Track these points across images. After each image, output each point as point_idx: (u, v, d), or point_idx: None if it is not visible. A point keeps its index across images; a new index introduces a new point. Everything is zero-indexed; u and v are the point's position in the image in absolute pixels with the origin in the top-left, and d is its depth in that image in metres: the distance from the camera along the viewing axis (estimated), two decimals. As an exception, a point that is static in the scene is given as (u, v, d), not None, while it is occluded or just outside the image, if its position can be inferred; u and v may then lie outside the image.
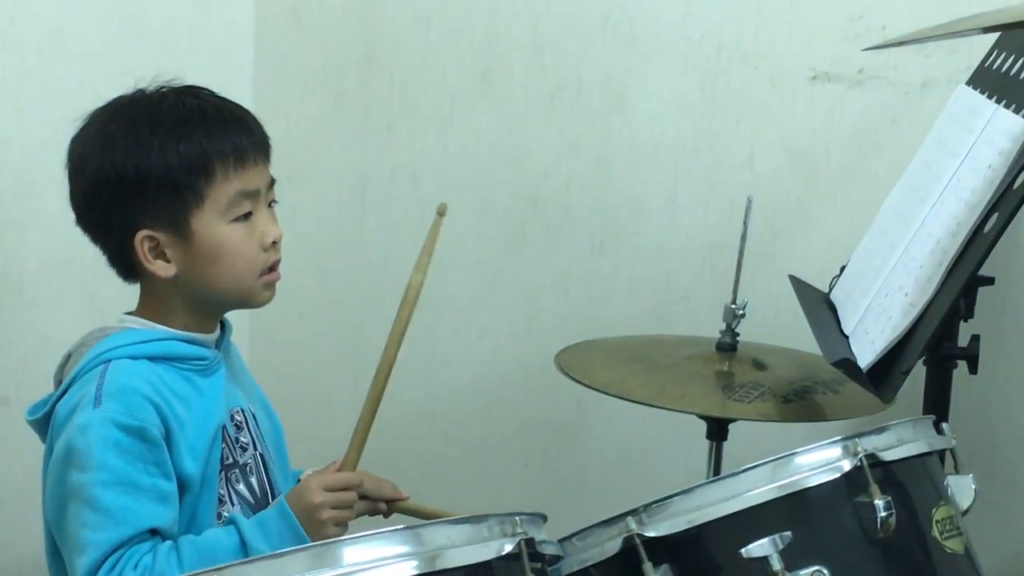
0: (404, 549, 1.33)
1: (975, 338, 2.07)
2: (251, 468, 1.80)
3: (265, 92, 2.92)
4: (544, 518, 1.48)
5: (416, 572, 1.32)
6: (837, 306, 2.22)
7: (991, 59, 2.29)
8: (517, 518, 1.40)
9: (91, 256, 2.27)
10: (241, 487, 1.78)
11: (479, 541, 1.36)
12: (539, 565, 1.41)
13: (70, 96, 2.45)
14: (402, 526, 1.34)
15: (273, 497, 1.82)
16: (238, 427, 1.80)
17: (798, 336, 2.37)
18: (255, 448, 1.82)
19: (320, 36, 2.93)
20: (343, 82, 2.92)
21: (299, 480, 1.88)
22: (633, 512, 1.54)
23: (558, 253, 2.81)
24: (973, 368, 2.07)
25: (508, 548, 1.37)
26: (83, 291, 2.59)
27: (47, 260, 2.58)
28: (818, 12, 2.57)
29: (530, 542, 1.39)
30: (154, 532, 1.64)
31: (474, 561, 1.35)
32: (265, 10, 2.94)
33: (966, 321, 2.08)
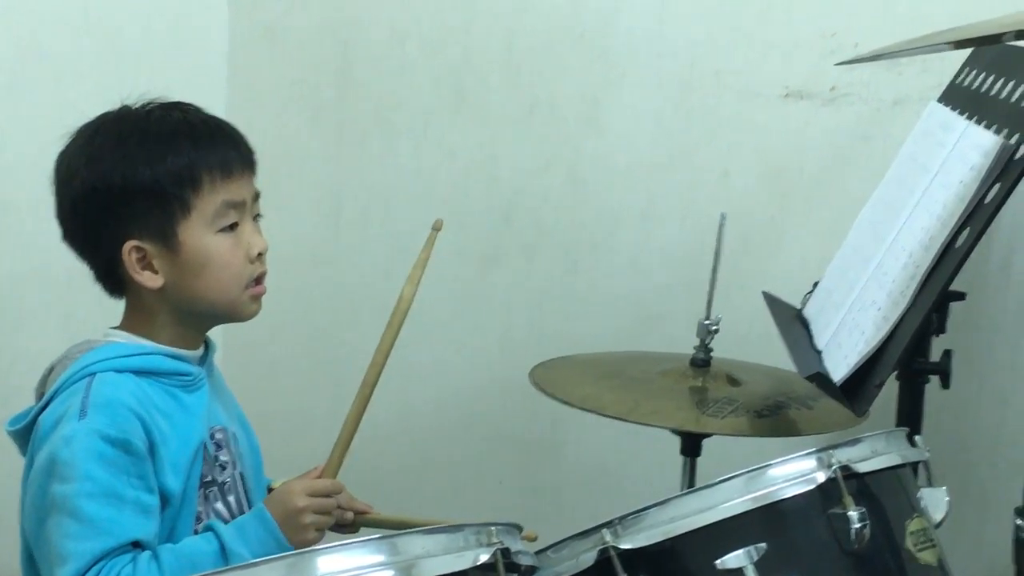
0: (380, 559, 1.33)
1: (947, 353, 2.08)
2: (229, 487, 1.80)
3: (239, 108, 2.92)
4: (520, 528, 1.49)
5: (393, 582, 1.32)
6: (810, 321, 2.23)
7: (962, 76, 2.31)
8: (493, 528, 1.40)
9: (66, 272, 2.26)
10: (219, 505, 1.78)
11: (455, 551, 1.36)
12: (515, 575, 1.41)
13: (44, 114, 2.46)
14: (378, 535, 1.34)
15: None
16: (218, 445, 1.80)
17: (771, 352, 2.37)
18: (234, 467, 1.82)
19: (295, 52, 2.93)
20: (318, 98, 2.93)
21: (269, 488, 1.88)
22: (608, 524, 1.54)
23: (532, 270, 2.82)
24: (945, 383, 2.08)
25: (484, 558, 1.37)
26: (58, 307, 2.58)
27: (21, 276, 2.57)
28: (791, 30, 2.59)
29: (506, 552, 1.39)
30: (136, 544, 1.64)
31: (450, 571, 1.35)
32: (239, 26, 2.94)
33: (938, 336, 2.10)
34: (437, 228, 1.95)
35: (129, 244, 1.72)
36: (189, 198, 1.72)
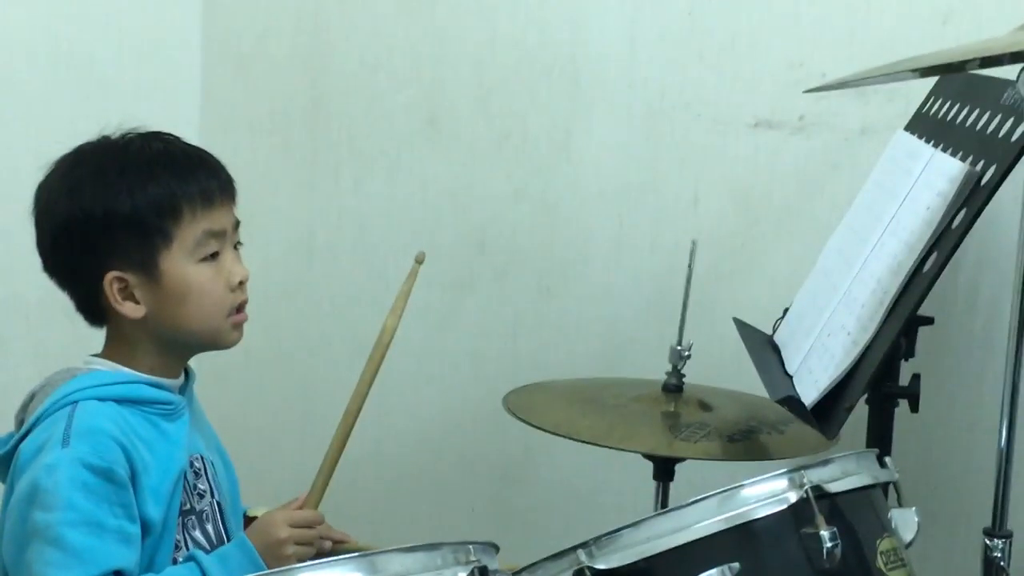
0: (359, 576, 1.34)
1: (916, 377, 2.10)
2: (207, 515, 1.80)
3: (212, 139, 2.89)
4: (496, 548, 1.49)
5: (371, 599, 1.33)
6: (781, 347, 2.25)
7: (928, 105, 2.34)
8: (470, 547, 1.41)
9: (38, 301, 2.26)
10: (197, 534, 1.78)
11: (433, 569, 1.37)
12: (492, 595, 1.42)
13: (16, 144, 2.46)
14: (357, 554, 1.35)
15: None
16: (197, 474, 1.80)
17: (743, 378, 2.39)
18: (212, 496, 1.82)
19: (267, 83, 2.95)
20: (290, 129, 2.95)
21: (246, 516, 1.88)
22: (583, 545, 1.55)
23: (505, 298, 2.84)
24: (915, 406, 2.10)
25: (462, 576, 1.38)
26: (29, 338, 2.57)
27: (-7, 305, 2.57)
28: (759, 60, 2.62)
29: (483, 570, 1.40)
30: (118, 574, 1.63)
31: (428, 588, 1.37)
32: (212, 58, 2.96)
33: (907, 360, 2.12)
34: (420, 261, 1.98)
35: (110, 275, 1.73)
36: (170, 228, 1.73)
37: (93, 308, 1.78)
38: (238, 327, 1.81)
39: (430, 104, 2.84)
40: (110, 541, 1.63)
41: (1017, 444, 1.83)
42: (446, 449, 2.92)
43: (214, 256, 1.76)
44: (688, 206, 2.69)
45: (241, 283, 1.79)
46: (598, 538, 1.55)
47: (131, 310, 1.74)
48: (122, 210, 1.71)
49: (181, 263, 1.74)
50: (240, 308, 1.80)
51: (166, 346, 1.78)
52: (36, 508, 1.63)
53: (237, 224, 1.81)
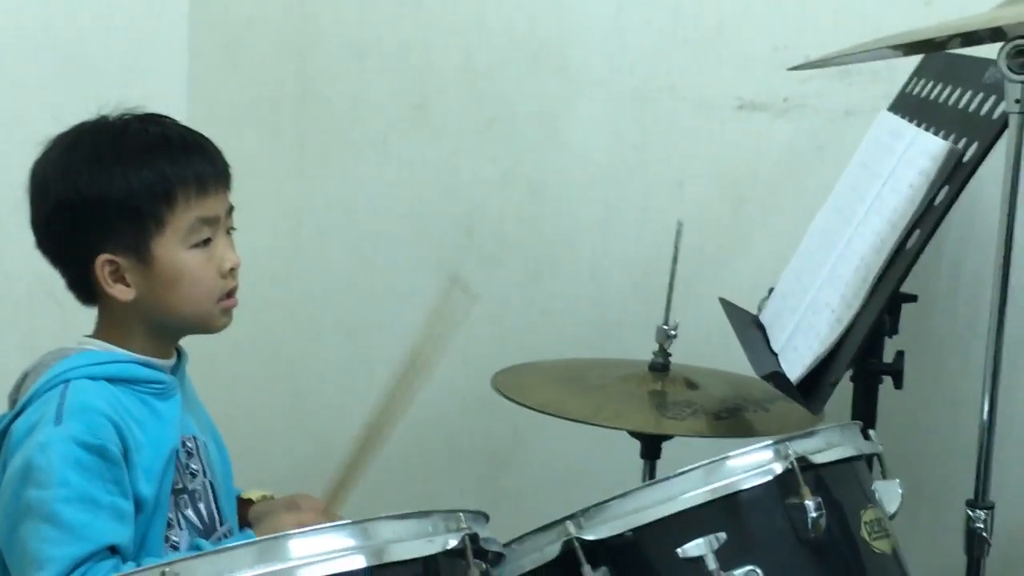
0: (351, 543, 1.35)
1: (900, 354, 2.12)
2: (199, 495, 1.81)
3: (199, 124, 2.86)
4: (486, 517, 1.51)
5: (363, 565, 1.34)
6: (766, 326, 2.27)
7: (911, 85, 2.36)
8: (461, 514, 1.43)
9: (25, 288, 2.27)
10: (189, 512, 1.79)
11: (424, 536, 1.39)
12: (482, 563, 1.43)
13: (2, 129, 2.46)
14: (348, 521, 1.36)
15: (220, 523, 1.82)
16: (189, 453, 1.81)
17: (729, 358, 2.41)
18: (204, 475, 1.83)
19: (254, 69, 2.95)
20: (278, 115, 2.95)
21: (239, 499, 1.89)
22: (572, 516, 1.57)
23: (493, 281, 2.84)
24: (898, 383, 2.12)
25: (453, 543, 1.40)
26: (18, 322, 2.58)
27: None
28: (744, 43, 2.64)
29: (474, 538, 1.42)
30: (112, 550, 1.64)
31: (419, 555, 1.38)
32: (199, 42, 2.96)
33: (891, 337, 2.13)
34: (459, 285, 1.94)
35: (102, 258, 1.73)
36: (163, 214, 1.72)
37: (84, 288, 1.79)
38: (227, 312, 1.81)
39: (418, 89, 2.85)
40: (104, 517, 1.63)
41: (999, 418, 1.85)
42: (435, 432, 2.92)
43: (206, 242, 1.76)
44: (674, 188, 2.71)
45: (232, 270, 1.79)
46: (586, 509, 1.58)
47: (121, 292, 1.75)
48: (116, 195, 1.71)
49: (173, 248, 1.74)
50: (230, 294, 1.80)
51: (156, 328, 1.79)
52: (30, 486, 1.63)
53: (231, 210, 1.81)
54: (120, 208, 1.72)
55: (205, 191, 1.75)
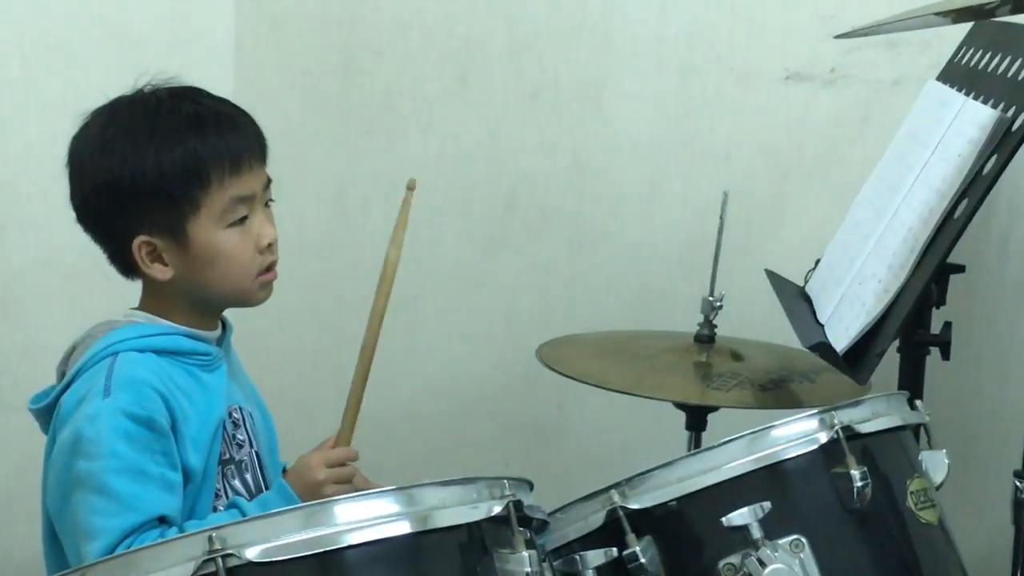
0: (396, 508, 1.35)
1: (947, 325, 2.11)
2: (246, 465, 1.83)
3: (245, 98, 2.88)
4: (531, 485, 1.51)
5: (408, 531, 1.35)
6: (812, 298, 2.26)
7: (960, 54, 2.33)
8: (506, 482, 1.43)
9: (74, 260, 2.28)
10: (236, 483, 1.80)
11: (469, 502, 1.39)
12: (526, 530, 1.44)
13: (52, 103, 2.48)
14: (393, 487, 1.36)
15: None
16: (235, 424, 1.82)
17: (774, 330, 2.40)
18: (251, 446, 1.85)
19: (299, 42, 2.96)
20: (323, 88, 2.95)
21: (285, 471, 1.91)
22: (616, 486, 1.57)
23: (537, 253, 2.85)
24: (946, 354, 2.11)
25: (497, 510, 1.40)
26: (65, 294, 2.61)
27: (29, 264, 2.60)
28: (790, 13, 2.62)
29: (518, 505, 1.42)
30: (162, 520, 1.66)
31: (464, 521, 1.38)
32: (245, 17, 2.97)
33: (938, 308, 2.12)
34: (411, 187, 1.96)
35: (139, 239, 1.74)
36: (198, 196, 1.73)
37: (124, 264, 1.80)
38: (266, 286, 1.82)
39: (461, 61, 2.84)
40: (153, 488, 1.65)
41: (1047, 388, 1.84)
42: (480, 406, 2.93)
43: (243, 220, 1.77)
44: (719, 160, 2.69)
45: (270, 244, 1.79)
46: (630, 478, 1.58)
47: (160, 272, 1.76)
48: (150, 178, 1.72)
49: (209, 229, 1.74)
50: (269, 268, 1.81)
51: (197, 303, 1.80)
52: (79, 457, 1.65)
53: (268, 183, 1.81)
54: (154, 191, 1.72)
55: (239, 169, 1.75)
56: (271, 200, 1.83)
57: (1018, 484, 1.82)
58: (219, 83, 2.91)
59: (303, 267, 3.01)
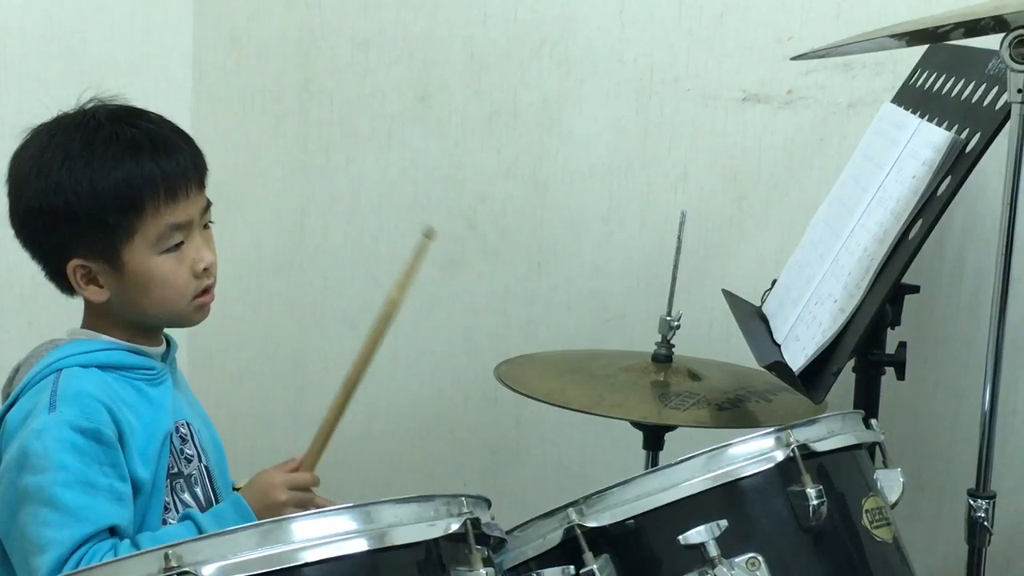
0: (353, 526, 1.35)
1: (902, 345, 2.13)
2: (195, 479, 1.82)
3: (204, 117, 2.95)
4: (489, 503, 1.51)
5: (365, 548, 1.34)
6: (769, 317, 2.28)
7: (915, 77, 2.36)
8: (463, 499, 1.42)
9: (29, 279, 2.26)
10: (186, 496, 1.80)
11: (426, 520, 1.38)
12: (484, 548, 1.44)
13: (8, 120, 2.46)
14: (351, 504, 1.36)
15: None
16: (183, 439, 1.82)
17: (731, 350, 2.42)
18: (200, 460, 1.84)
19: (258, 62, 2.96)
20: (282, 107, 2.96)
21: (235, 489, 1.90)
22: (574, 504, 1.57)
23: (496, 274, 2.85)
24: (901, 374, 2.13)
25: (455, 527, 1.39)
26: (22, 314, 2.59)
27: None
28: (748, 35, 2.64)
29: (476, 522, 1.42)
30: (112, 531, 1.66)
31: (421, 539, 1.38)
32: (204, 36, 2.97)
33: (893, 328, 2.14)
34: (428, 236, 1.87)
35: (73, 262, 1.74)
36: (132, 223, 1.72)
37: (61, 284, 1.80)
38: (201, 309, 1.81)
39: (420, 81, 2.85)
40: (103, 499, 1.65)
41: (1000, 408, 1.85)
42: (438, 424, 2.94)
43: (178, 246, 1.76)
44: (677, 181, 2.71)
45: (206, 269, 1.78)
46: (588, 496, 1.58)
47: (95, 294, 1.76)
48: (85, 203, 1.71)
49: (144, 254, 1.74)
50: (206, 291, 1.80)
51: (134, 323, 1.80)
52: (27, 472, 1.65)
53: (207, 207, 1.80)
54: (89, 217, 1.72)
55: (175, 197, 1.74)
56: (211, 223, 1.82)
57: (972, 503, 1.83)
58: (178, 101, 2.93)
59: (262, 287, 3.01)
